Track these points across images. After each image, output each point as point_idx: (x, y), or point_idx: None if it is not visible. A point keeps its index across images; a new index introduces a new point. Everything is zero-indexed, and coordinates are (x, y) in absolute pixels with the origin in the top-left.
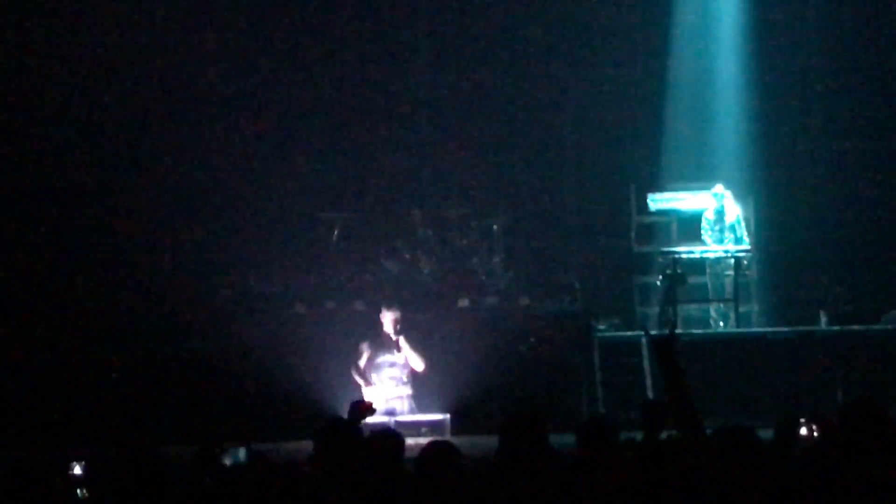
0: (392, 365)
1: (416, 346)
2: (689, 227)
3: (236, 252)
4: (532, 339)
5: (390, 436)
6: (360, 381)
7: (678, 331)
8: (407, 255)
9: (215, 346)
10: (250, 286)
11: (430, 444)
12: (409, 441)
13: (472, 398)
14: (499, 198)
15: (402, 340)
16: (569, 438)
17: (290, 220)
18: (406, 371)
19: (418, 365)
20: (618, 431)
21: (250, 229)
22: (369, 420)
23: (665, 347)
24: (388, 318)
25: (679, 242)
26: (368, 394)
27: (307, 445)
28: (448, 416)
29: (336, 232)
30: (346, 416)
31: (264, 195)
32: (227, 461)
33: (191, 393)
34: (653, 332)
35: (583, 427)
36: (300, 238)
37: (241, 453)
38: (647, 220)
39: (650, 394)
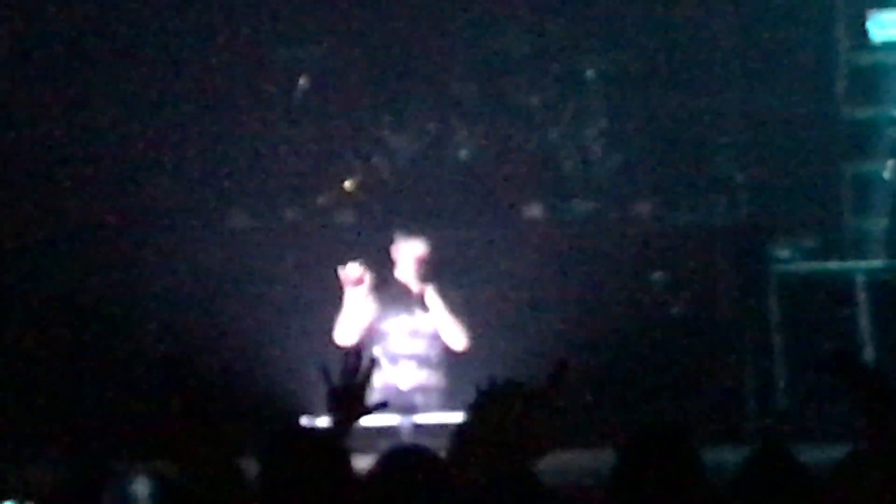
0: (414, 334)
1: (455, 303)
2: None
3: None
4: (657, 275)
5: (414, 456)
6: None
7: None
8: (431, 124)
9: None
10: (149, 186)
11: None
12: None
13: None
14: (597, 21)
15: (429, 293)
16: (725, 454)
17: (220, 60)
18: (437, 347)
19: (457, 338)
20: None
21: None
22: (366, 422)
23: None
24: (405, 254)
25: None
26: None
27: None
28: None
29: (301, 82)
30: (320, 406)
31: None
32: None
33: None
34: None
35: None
36: (238, 96)
37: (139, 485)
38: (868, 59)
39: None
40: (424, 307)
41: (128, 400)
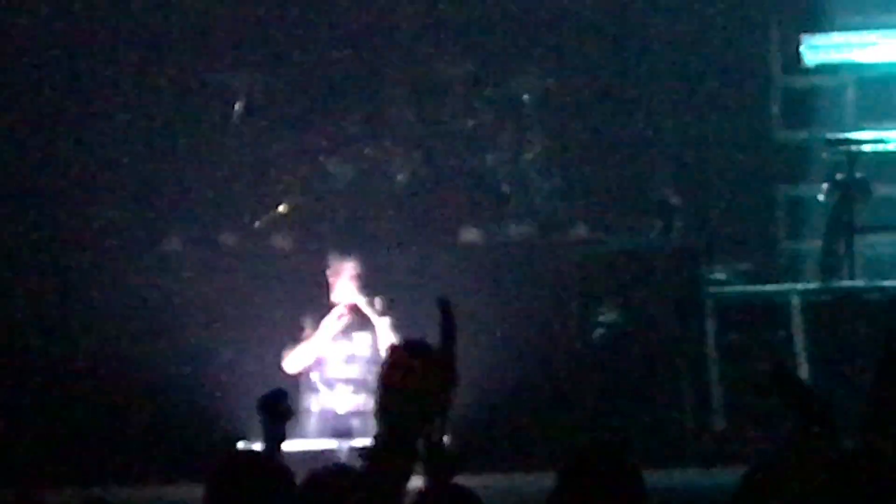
0: (350, 359)
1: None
2: (878, 95)
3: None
4: (602, 309)
5: (344, 477)
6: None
7: (859, 284)
8: (367, 149)
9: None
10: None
11: (425, 494)
12: None
13: (485, 410)
14: (533, 45)
15: (378, 303)
16: (657, 476)
17: (156, 86)
18: (373, 371)
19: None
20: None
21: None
22: (303, 446)
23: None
24: (343, 276)
25: (860, 124)
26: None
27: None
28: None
29: (238, 107)
30: (258, 439)
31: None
32: None
33: None
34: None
35: None
36: (175, 119)
37: None
38: (801, 83)
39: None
40: (363, 326)
41: (60, 423)
